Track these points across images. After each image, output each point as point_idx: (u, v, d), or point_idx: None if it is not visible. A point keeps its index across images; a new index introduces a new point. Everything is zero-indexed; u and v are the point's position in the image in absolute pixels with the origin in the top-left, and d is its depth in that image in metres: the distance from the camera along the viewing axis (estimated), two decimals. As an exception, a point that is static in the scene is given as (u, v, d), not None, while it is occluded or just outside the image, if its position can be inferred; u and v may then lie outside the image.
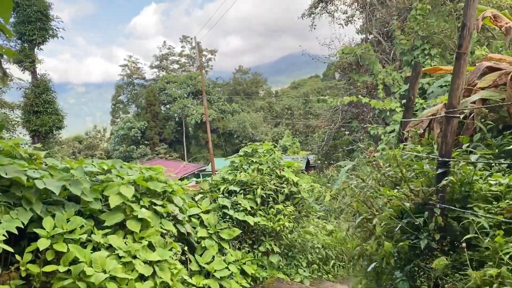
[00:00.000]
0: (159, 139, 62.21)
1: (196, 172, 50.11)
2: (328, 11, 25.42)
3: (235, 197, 7.05)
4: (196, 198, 7.05)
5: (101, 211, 5.33)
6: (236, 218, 6.76)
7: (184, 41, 71.69)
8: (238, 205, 6.93)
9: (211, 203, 6.97)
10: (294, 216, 7.33)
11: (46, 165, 5.71)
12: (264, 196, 7.14)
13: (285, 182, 7.53)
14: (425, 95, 14.95)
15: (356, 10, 22.48)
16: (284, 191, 7.29)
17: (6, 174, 4.64)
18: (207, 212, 6.81)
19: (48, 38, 20.09)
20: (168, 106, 66.49)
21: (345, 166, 19.24)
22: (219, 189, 7.27)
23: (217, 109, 63.02)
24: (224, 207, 6.86)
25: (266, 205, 7.27)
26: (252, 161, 7.70)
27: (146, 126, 60.57)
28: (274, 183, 7.42)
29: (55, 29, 20.32)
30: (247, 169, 7.63)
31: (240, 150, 8.01)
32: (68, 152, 72.41)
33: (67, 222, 4.87)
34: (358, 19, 22.54)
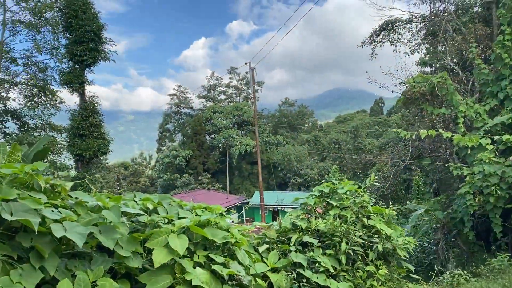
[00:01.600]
0: (203, 168, 61.60)
1: (239, 205, 48.60)
2: (390, 39, 23.79)
3: (311, 252, 5.36)
4: (261, 248, 5.42)
5: (141, 270, 3.83)
6: (314, 282, 5.05)
7: (232, 73, 72.07)
8: (316, 264, 5.22)
9: (280, 258, 5.31)
10: (390, 283, 5.52)
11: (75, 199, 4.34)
12: (350, 252, 5.40)
13: (376, 235, 5.77)
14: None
15: (424, 38, 20.68)
16: (376, 247, 5.52)
17: (12, 215, 3.25)
18: (275, 270, 5.15)
19: (100, 60, 19.69)
20: (213, 136, 66.23)
21: (415, 209, 17.05)
22: (289, 238, 5.60)
23: (262, 140, 61.88)
24: (299, 265, 5.17)
25: (351, 265, 5.52)
26: (332, 205, 6.02)
27: (191, 155, 60.28)
28: (361, 236, 5.67)
29: (107, 52, 19.96)
30: (326, 215, 5.96)
31: (314, 189, 6.37)
32: (113, 178, 73.41)
33: (93, 286, 3.38)
34: (426, 47, 20.70)
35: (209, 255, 4.18)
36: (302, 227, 5.69)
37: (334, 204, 5.98)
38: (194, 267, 4.01)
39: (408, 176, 35.06)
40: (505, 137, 11.67)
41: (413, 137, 13.47)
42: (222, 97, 72.18)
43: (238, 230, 5.26)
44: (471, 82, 16.23)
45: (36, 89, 21.37)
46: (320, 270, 5.16)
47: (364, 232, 5.78)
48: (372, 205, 6.17)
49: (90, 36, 18.96)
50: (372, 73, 18.68)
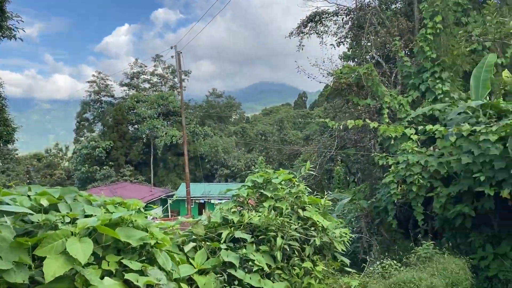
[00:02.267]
0: (125, 160, 58.71)
1: (164, 198, 46.96)
2: (317, 31, 23.95)
3: (244, 249, 4.78)
4: (186, 248, 4.73)
5: (31, 284, 2.97)
6: (247, 283, 4.47)
7: (157, 60, 69.33)
8: (250, 262, 4.65)
9: (208, 258, 4.66)
10: (327, 280, 5.12)
11: None
12: (286, 248, 4.90)
13: (313, 228, 5.34)
14: (437, 122, 13.29)
15: (350, 30, 21.04)
16: (314, 241, 5.09)
17: None
18: (203, 272, 4.51)
19: (2, 38, 17.29)
20: (136, 126, 63.34)
21: (341, 199, 17.27)
22: (219, 235, 4.97)
23: (189, 131, 60.40)
24: (230, 265, 4.56)
25: (287, 262, 5.03)
26: (267, 196, 5.48)
27: (111, 146, 57.09)
28: (296, 229, 5.21)
29: (13, 29, 17.59)
30: (259, 207, 5.42)
31: (247, 179, 5.79)
32: (23, 171, 67.41)
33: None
34: (352, 40, 21.08)
35: (122, 261, 3.41)
36: (234, 222, 5.09)
37: (269, 195, 5.45)
38: (103, 277, 3.23)
39: (330, 166, 36.13)
40: (428, 127, 12.03)
41: (340, 127, 13.48)
42: (147, 85, 69.23)
43: (160, 228, 4.54)
44: (394, 75, 16.71)
45: None
46: (253, 270, 4.60)
47: (299, 224, 5.32)
48: (307, 195, 5.74)
49: None
50: (314, 59, 18.60)
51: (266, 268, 4.63)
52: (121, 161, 57.92)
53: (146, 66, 67.05)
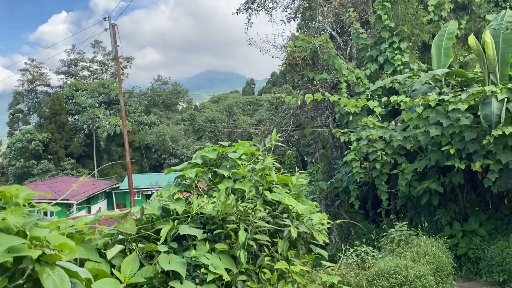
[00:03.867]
0: (65, 153, 54.81)
1: (108, 190, 44.18)
2: (266, 8, 22.61)
3: (193, 251, 3.39)
4: (109, 253, 3.26)
5: None
6: (200, 300, 3.10)
7: (96, 47, 65.13)
8: (202, 269, 3.27)
9: (141, 266, 3.24)
10: (304, 280, 3.86)
11: None
12: (252, 244, 3.57)
13: (285, 215, 4.03)
14: (398, 95, 12.46)
15: (300, 4, 19.87)
16: (288, 233, 3.79)
17: None
18: (134, 287, 3.10)
19: None
20: (76, 116, 59.32)
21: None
22: (158, 232, 3.54)
23: (133, 120, 57.41)
24: (174, 275, 3.16)
25: (254, 263, 3.71)
26: (223, 176, 4.09)
27: (49, 138, 52.97)
28: (264, 218, 3.89)
29: None
30: (213, 191, 4.05)
31: (195, 155, 4.38)
32: None
33: None
34: (303, 13, 19.93)
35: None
36: (178, 212, 3.67)
37: (225, 174, 4.06)
38: None
39: (280, 151, 35.23)
40: (393, 98, 11.13)
41: (298, 102, 12.31)
42: (86, 73, 64.90)
43: (71, 226, 3.06)
44: (349, 48, 15.77)
45: None
46: (208, 279, 3.23)
47: (267, 212, 4.00)
48: (275, 172, 4.42)
49: None
50: (263, 35, 17.26)
51: (225, 275, 3.28)
52: (60, 154, 54.00)
53: (84, 53, 62.77)
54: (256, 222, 3.79)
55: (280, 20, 20.97)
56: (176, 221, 3.71)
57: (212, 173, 4.37)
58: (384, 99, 11.54)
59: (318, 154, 16.41)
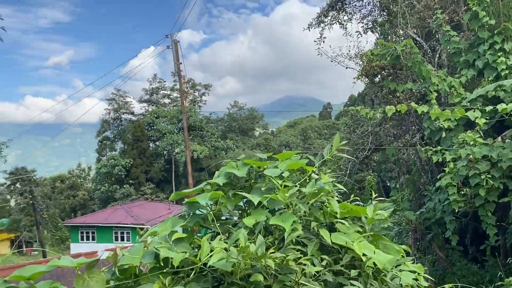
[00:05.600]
0: (146, 178, 56.72)
1: (183, 215, 44.31)
2: (340, 21, 21.05)
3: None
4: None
5: None
6: None
7: (176, 75, 67.77)
8: None
9: None
10: None
11: None
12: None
13: (354, 270, 2.43)
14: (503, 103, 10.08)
15: (380, 13, 18.05)
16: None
17: None
18: None
19: None
20: (157, 142, 61.54)
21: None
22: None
23: (210, 145, 58.08)
24: None
25: None
26: (252, 203, 2.60)
27: (131, 164, 55.25)
28: (319, 275, 2.30)
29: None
30: (237, 229, 2.57)
31: (217, 173, 2.98)
32: (49, 193, 66.58)
33: None
34: (383, 22, 18.03)
35: None
36: (174, 264, 2.23)
37: (256, 201, 2.57)
38: None
39: (359, 176, 32.51)
40: (501, 106, 8.86)
41: (377, 115, 10.45)
42: (166, 101, 67.65)
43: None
44: (438, 54, 13.59)
45: None
46: None
47: (325, 264, 2.42)
48: (338, 199, 2.83)
49: None
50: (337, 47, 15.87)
51: None
52: (141, 179, 55.97)
53: (165, 81, 65.57)
54: (304, 285, 2.23)
55: (356, 32, 19.20)
56: (172, 277, 2.27)
57: (238, 198, 2.88)
58: (488, 108, 9.30)
59: (403, 178, 14.18)
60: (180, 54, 19.76)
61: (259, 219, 2.50)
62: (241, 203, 2.99)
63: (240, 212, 3.03)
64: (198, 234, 2.91)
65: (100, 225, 35.30)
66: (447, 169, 9.69)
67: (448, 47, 12.75)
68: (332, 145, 3.00)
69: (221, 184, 2.83)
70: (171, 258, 2.26)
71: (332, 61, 14.89)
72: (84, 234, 36.45)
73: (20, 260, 37.34)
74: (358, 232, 2.78)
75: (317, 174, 2.91)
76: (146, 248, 2.31)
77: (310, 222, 2.62)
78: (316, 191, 2.58)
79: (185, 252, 2.34)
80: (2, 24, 16.28)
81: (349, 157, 4.27)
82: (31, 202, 40.07)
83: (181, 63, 20.11)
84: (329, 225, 2.77)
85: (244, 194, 2.66)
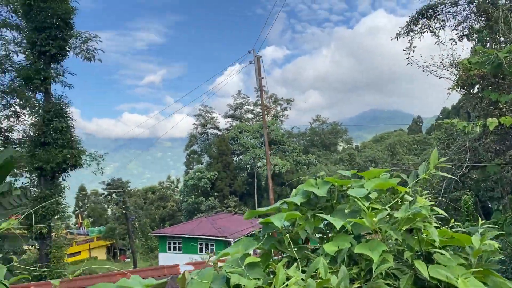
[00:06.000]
0: (229, 191, 58.09)
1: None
2: (431, 29, 19.78)
3: None
4: None
5: None
6: None
7: (259, 91, 69.12)
8: None
9: None
10: None
11: None
12: None
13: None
14: None
15: (477, 18, 16.62)
16: None
17: None
18: None
19: (69, 52, 16.66)
20: (241, 156, 62.92)
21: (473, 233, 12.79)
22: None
23: (292, 160, 57.92)
24: None
25: None
26: (335, 228, 2.31)
27: (216, 177, 57.01)
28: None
29: (92, 50, 17.07)
30: (315, 254, 2.28)
31: (294, 191, 2.72)
32: (141, 203, 71.17)
33: None
34: (479, 30, 16.59)
35: None
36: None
37: (338, 226, 2.26)
38: None
39: (454, 195, 29.89)
40: None
41: (477, 129, 9.43)
42: (250, 116, 69.11)
43: None
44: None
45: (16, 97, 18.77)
46: None
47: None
48: (436, 225, 2.40)
49: (54, 21, 15.79)
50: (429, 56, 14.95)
51: None
52: (225, 192, 57.42)
53: (248, 97, 67.13)
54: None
55: (450, 39, 17.90)
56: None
57: (317, 220, 2.58)
58: None
59: (507, 199, 12.66)
60: (262, 69, 19.99)
61: (342, 246, 2.19)
62: (321, 225, 2.70)
63: (320, 235, 2.73)
64: (275, 258, 2.67)
65: (186, 236, 36.61)
66: None
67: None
68: (428, 162, 2.60)
69: (299, 204, 2.57)
70: (243, 285, 2.04)
71: (423, 71, 13.88)
72: (171, 244, 38.04)
73: (115, 266, 40.05)
74: (462, 265, 2.33)
75: (411, 196, 2.52)
76: (216, 272, 2.12)
77: (402, 251, 2.24)
78: (411, 216, 2.20)
79: (258, 279, 2.11)
80: (101, 46, 17.83)
81: (449, 175, 3.75)
82: (124, 212, 42.97)
83: (262, 78, 20.33)
84: (425, 256, 2.37)
85: (324, 216, 2.36)
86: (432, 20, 20.00)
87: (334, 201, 2.62)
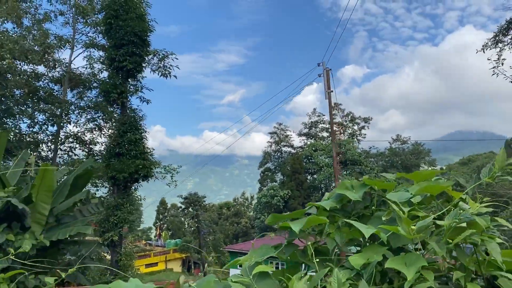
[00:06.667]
0: (302, 210, 57.14)
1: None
2: (523, 39, 18.00)
3: None
4: None
5: None
6: None
7: (335, 109, 67.91)
8: None
9: None
10: None
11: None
12: None
13: None
14: None
15: None
16: None
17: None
18: None
19: (145, 68, 17.51)
20: (314, 175, 61.81)
21: None
22: None
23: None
24: None
25: None
26: (366, 240, 1.90)
27: (289, 195, 56.43)
28: None
29: (168, 67, 17.87)
30: (343, 269, 1.89)
31: (328, 194, 2.34)
32: (215, 218, 72.72)
33: None
34: None
35: None
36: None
37: (367, 234, 1.85)
38: None
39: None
40: None
41: None
42: (325, 134, 67.87)
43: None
44: None
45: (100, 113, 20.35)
46: None
47: None
48: (503, 242, 1.89)
49: (131, 39, 16.67)
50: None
51: None
52: (298, 211, 56.58)
53: (323, 115, 66.18)
54: None
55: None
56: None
57: (350, 228, 2.17)
58: None
59: None
60: (332, 83, 19.40)
61: (372, 259, 1.79)
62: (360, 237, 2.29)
63: (359, 248, 2.32)
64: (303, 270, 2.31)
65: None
66: None
67: None
68: (493, 164, 2.10)
69: (327, 208, 2.19)
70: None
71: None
72: (242, 260, 38.02)
73: (189, 278, 40.99)
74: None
75: (465, 203, 2.03)
76: (218, 280, 1.82)
77: (452, 270, 1.78)
78: (460, 225, 1.73)
79: (270, 291, 1.78)
80: (176, 63, 18.58)
81: None
82: (196, 225, 43.98)
83: (332, 91, 19.75)
84: (486, 279, 1.86)
85: (353, 222, 1.96)
86: (525, 29, 18.28)
87: (374, 207, 2.21)
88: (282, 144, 66.67)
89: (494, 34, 18.68)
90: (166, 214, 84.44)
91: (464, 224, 1.73)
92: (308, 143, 65.01)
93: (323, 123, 67.27)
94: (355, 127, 68.36)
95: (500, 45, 18.45)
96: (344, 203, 2.27)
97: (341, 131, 68.18)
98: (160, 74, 18.36)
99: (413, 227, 1.73)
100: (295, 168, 58.19)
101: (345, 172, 60.36)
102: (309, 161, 60.18)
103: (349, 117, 68.22)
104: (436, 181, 2.13)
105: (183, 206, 54.52)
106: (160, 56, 18.34)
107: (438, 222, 1.77)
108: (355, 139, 66.32)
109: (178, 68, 18.57)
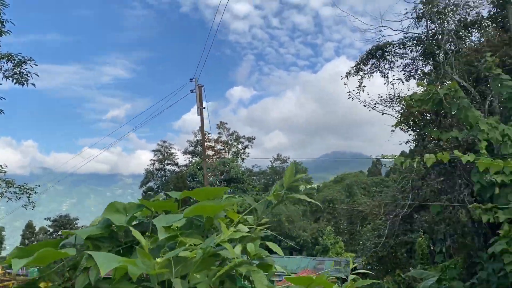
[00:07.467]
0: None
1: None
2: (380, 69, 20.03)
3: None
4: None
5: None
6: None
7: (221, 128, 68.66)
8: None
9: None
10: None
11: None
12: None
13: None
14: None
15: (424, 59, 16.89)
16: None
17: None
18: None
19: (17, 82, 15.45)
20: (199, 194, 61.23)
21: (421, 277, 12.13)
22: None
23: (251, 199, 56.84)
24: None
25: None
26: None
27: (171, 215, 54.98)
28: None
29: (25, 73, 15.93)
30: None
31: (95, 219, 1.89)
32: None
33: None
34: (430, 73, 16.73)
35: None
36: None
37: (104, 271, 1.45)
38: None
39: (409, 238, 29.70)
40: None
41: (415, 165, 9.00)
42: (210, 152, 67.90)
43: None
44: (488, 101, 12.08)
45: None
46: None
47: None
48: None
49: None
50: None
51: None
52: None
53: (209, 134, 66.33)
54: None
55: (397, 79, 18.07)
56: None
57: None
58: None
59: (449, 241, 12.24)
60: (204, 98, 19.32)
61: None
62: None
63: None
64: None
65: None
66: (501, 232, 7.96)
67: (500, 92, 11.28)
68: (282, 180, 1.87)
69: (84, 238, 1.73)
70: None
71: (365, 106, 13.68)
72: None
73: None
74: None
75: (244, 227, 1.75)
76: None
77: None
78: (210, 255, 1.41)
79: None
80: (35, 70, 16.71)
81: (314, 201, 3.03)
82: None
83: (204, 108, 19.63)
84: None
85: (93, 254, 1.53)
86: (381, 60, 20.28)
87: (148, 233, 1.83)
88: (166, 162, 64.92)
89: (356, 62, 20.47)
90: (33, 238, 75.93)
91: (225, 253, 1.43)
92: (193, 161, 64.38)
93: (209, 142, 67.37)
94: (240, 146, 69.81)
95: (361, 73, 20.22)
96: (112, 230, 1.84)
97: (226, 149, 69.03)
98: (14, 81, 16.24)
99: (158, 259, 1.37)
100: (178, 187, 56.85)
101: (229, 191, 60.96)
102: (194, 179, 59.46)
103: (234, 136, 69.49)
104: (216, 201, 1.84)
105: (51, 230, 49.26)
106: (15, 62, 16.22)
107: (182, 253, 1.43)
108: (240, 158, 67.60)
109: (37, 75, 16.63)
